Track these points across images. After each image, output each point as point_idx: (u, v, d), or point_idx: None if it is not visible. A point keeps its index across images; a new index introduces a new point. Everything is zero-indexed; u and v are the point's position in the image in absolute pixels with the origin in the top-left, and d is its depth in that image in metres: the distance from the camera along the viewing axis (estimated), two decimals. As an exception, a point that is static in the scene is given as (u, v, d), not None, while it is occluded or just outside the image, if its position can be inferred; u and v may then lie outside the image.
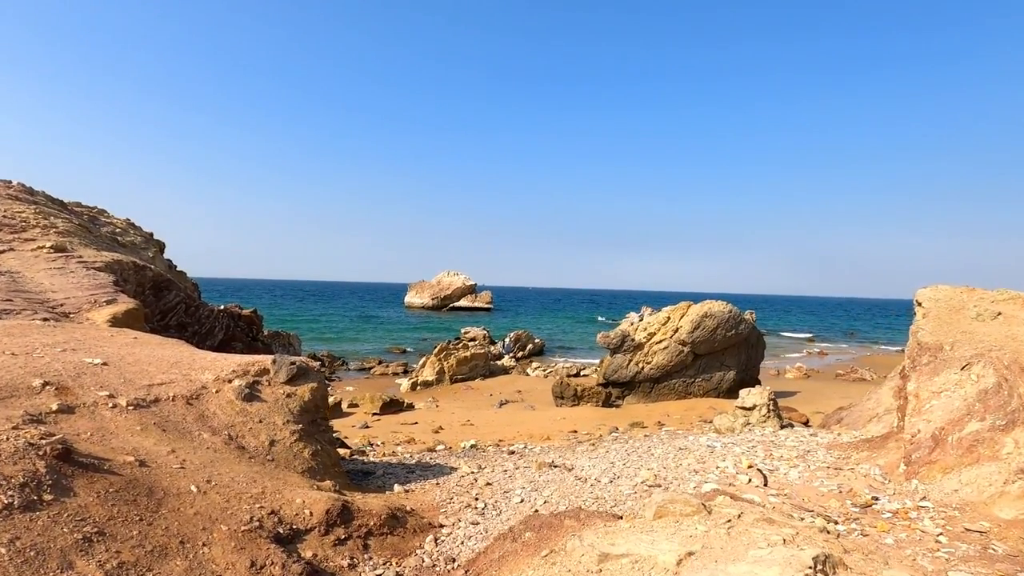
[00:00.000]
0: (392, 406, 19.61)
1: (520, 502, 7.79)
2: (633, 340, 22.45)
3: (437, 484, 8.83)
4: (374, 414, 18.76)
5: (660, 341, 22.26)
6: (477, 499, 7.93)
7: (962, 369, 9.31)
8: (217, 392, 7.40)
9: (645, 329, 22.73)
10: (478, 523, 6.85)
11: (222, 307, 25.17)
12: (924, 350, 10.63)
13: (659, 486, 8.50)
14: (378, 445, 13.94)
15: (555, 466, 10.12)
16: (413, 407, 20.63)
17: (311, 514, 5.59)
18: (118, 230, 22.86)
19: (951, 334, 10.68)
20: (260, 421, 7.19)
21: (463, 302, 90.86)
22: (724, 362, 23.06)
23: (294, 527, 5.40)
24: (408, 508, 6.88)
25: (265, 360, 8.21)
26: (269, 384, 7.83)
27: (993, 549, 5.84)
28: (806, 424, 17.31)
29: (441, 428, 16.54)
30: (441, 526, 6.71)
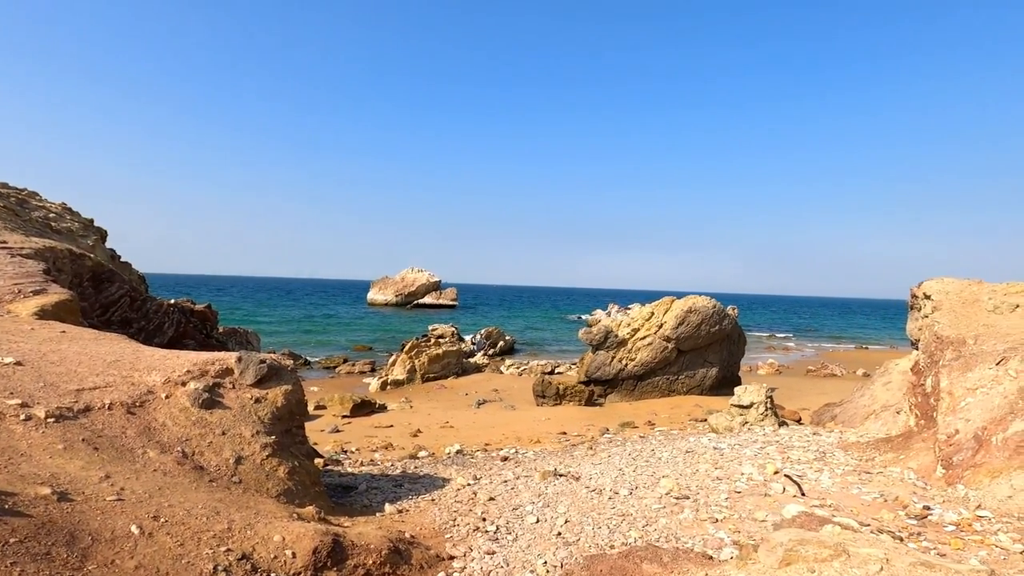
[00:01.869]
0: (363, 407, 18.16)
1: (536, 522, 6.67)
2: (616, 336, 21.64)
3: (433, 500, 7.62)
4: (344, 417, 17.28)
5: (644, 337, 21.53)
6: (484, 519, 6.77)
7: (997, 364, 8.72)
8: (168, 398, 5.99)
9: (629, 325, 21.96)
10: (495, 553, 5.69)
11: (172, 301, 23.06)
12: (945, 344, 10.06)
13: (687, 497, 7.53)
14: (353, 452, 12.56)
15: (560, 475, 9.05)
16: (386, 408, 19.22)
17: (294, 556, 4.33)
18: (52, 215, 20.48)
19: (972, 327, 10.16)
20: (223, 433, 5.83)
21: (428, 299, 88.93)
22: (707, 359, 22.54)
23: None
24: (408, 536, 5.67)
25: (228, 358, 6.82)
26: (234, 387, 6.45)
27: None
28: (799, 422, 16.84)
29: (419, 431, 15.25)
30: (451, 558, 5.53)
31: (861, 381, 29.60)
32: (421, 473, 9.56)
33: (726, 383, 23.13)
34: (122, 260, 22.38)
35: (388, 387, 24.38)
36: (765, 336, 62.13)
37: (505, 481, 8.78)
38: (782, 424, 14.81)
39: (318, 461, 9.92)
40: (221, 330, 27.08)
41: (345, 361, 32.23)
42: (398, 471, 9.88)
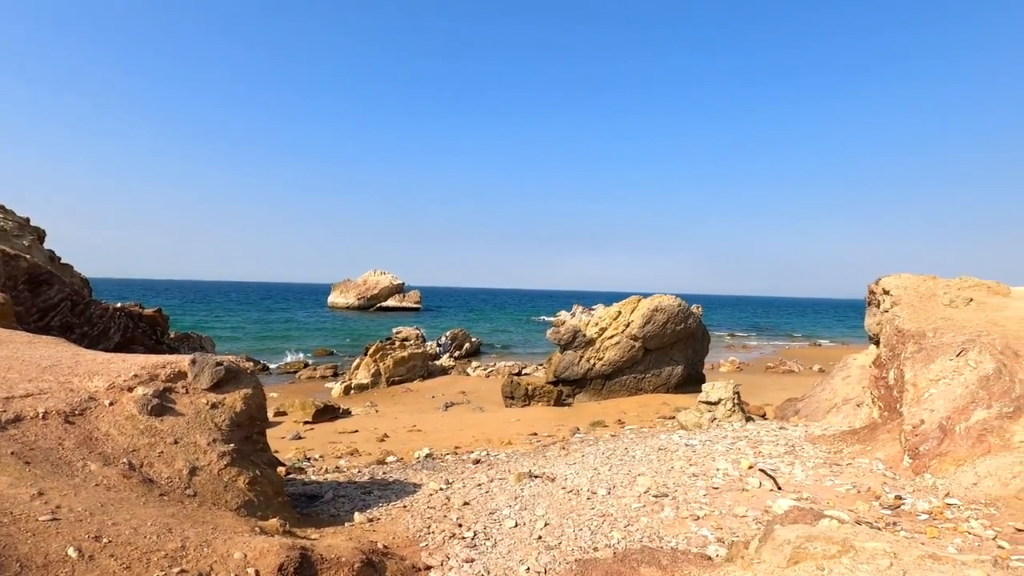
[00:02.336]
0: (326, 413, 17.50)
1: (515, 526, 6.41)
2: (584, 336, 21.61)
3: (405, 507, 7.26)
4: (306, 423, 16.61)
5: (612, 336, 21.57)
6: (460, 525, 6.47)
7: (957, 355, 8.98)
8: (112, 405, 5.47)
9: (596, 324, 21.97)
10: (474, 560, 5.40)
11: (119, 305, 21.76)
12: (906, 337, 10.33)
13: (666, 495, 7.41)
14: (317, 459, 12.01)
15: (535, 476, 8.82)
16: (350, 413, 18.59)
17: (257, 574, 3.94)
18: (-19, 213, 19.02)
19: (930, 320, 10.47)
20: (175, 442, 5.35)
21: (391, 302, 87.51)
22: (673, 357, 22.76)
23: (233, 596, 3.74)
24: (381, 546, 5.32)
25: (181, 361, 6.31)
26: (187, 392, 5.96)
27: (1064, 552, 5.18)
28: (764, 417, 17.12)
29: (386, 436, 14.77)
30: (428, 568, 5.21)
31: (818, 376, 30.55)
32: (390, 479, 9.16)
33: (691, 381, 23.44)
34: (63, 262, 20.99)
35: (352, 391, 23.68)
36: (725, 335, 63.68)
37: (479, 484, 8.49)
38: (749, 419, 15.00)
39: (280, 470, 9.41)
40: (172, 335, 25.76)
41: (306, 366, 31.23)
42: (366, 477, 9.45)
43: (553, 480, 8.62)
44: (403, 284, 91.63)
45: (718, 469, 8.70)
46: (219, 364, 6.26)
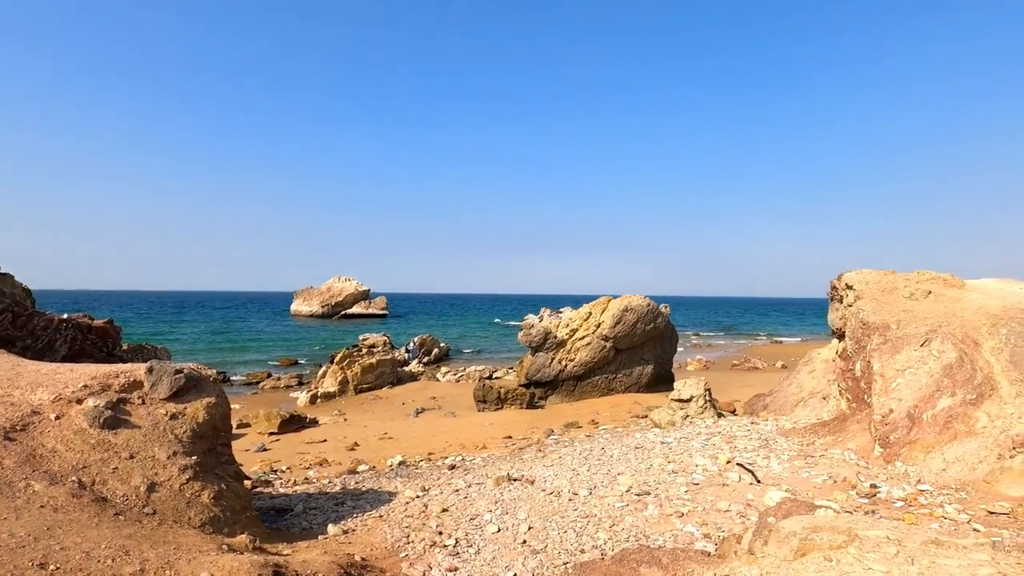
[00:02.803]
0: (292, 423, 16.88)
1: (497, 531, 6.21)
2: (555, 337, 21.55)
3: (381, 517, 6.97)
4: (272, 434, 15.96)
5: (583, 337, 21.58)
6: (441, 533, 6.22)
7: (921, 345, 9.23)
8: (59, 419, 5.03)
9: (567, 326, 21.94)
10: (457, 569, 5.18)
11: (65, 316, 20.56)
12: (871, 329, 10.60)
13: (648, 493, 7.33)
14: (284, 471, 11.50)
15: (514, 479, 8.63)
16: (317, 422, 17.99)
17: (227, 595, 3.63)
18: (-90, 220, 17.69)
19: (893, 313, 10.77)
20: (131, 457, 4.95)
21: (356, 309, 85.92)
22: (643, 356, 22.92)
23: (200, 621, 3.43)
24: (359, 559, 5.04)
25: (136, 370, 5.88)
26: (144, 402, 5.54)
27: (1037, 533, 5.31)
28: (733, 413, 17.37)
29: (357, 444, 14.31)
30: (409, 579, 4.96)
31: (782, 372, 31.33)
32: (364, 488, 8.82)
33: (661, 380, 23.66)
34: (2, 271, 19.70)
35: (319, 400, 22.98)
36: (691, 335, 64.85)
37: (457, 490, 8.25)
38: (720, 416, 15.18)
39: (246, 483, 8.96)
40: (125, 348, 24.49)
41: (269, 376, 30.20)
42: (337, 488, 9.08)
43: (533, 483, 8.45)
44: (369, 290, 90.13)
45: (697, 465, 8.69)
46: (179, 372, 5.86)
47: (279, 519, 7.11)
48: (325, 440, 15.05)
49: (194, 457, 5.34)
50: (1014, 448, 6.82)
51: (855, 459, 8.55)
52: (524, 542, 5.77)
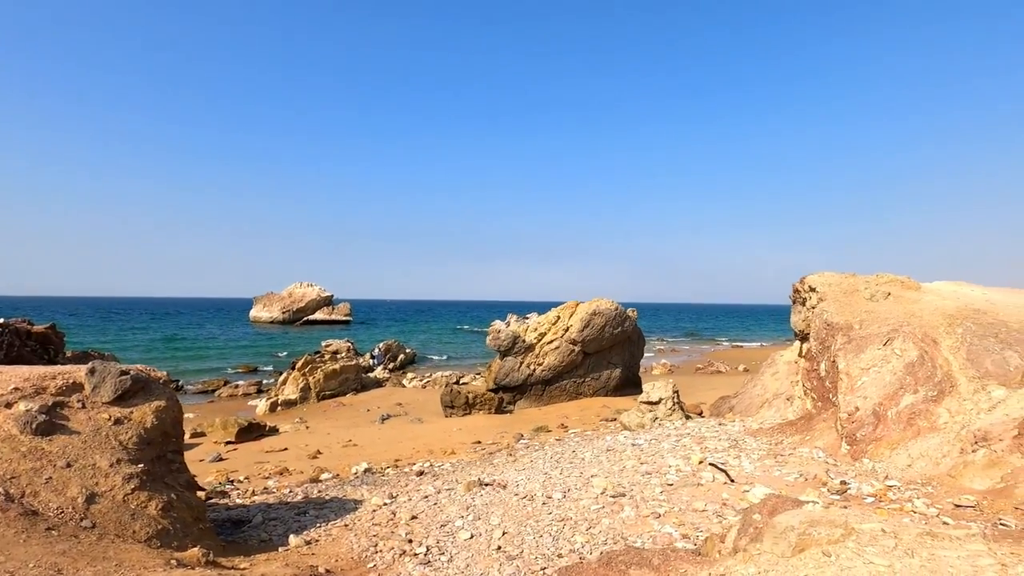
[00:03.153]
0: (251, 431, 16.15)
1: (470, 537, 5.95)
2: (524, 341, 21.39)
3: (346, 526, 6.61)
4: (228, 443, 15.22)
5: (551, 341, 21.49)
6: (411, 541, 5.92)
7: (884, 344, 9.44)
8: (-15, 424, 4.53)
9: (536, 330, 21.82)
10: (429, 578, 4.90)
11: (2, 321, 19.21)
12: (835, 329, 10.81)
13: (623, 495, 7.20)
14: (242, 481, 10.92)
15: (485, 484, 8.38)
16: (277, 431, 17.28)
17: (175, 615, 3.27)
18: None
19: (855, 313, 11.01)
20: (68, 465, 4.50)
21: (318, 315, 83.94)
22: (611, 360, 22.99)
23: (144, 645, 3.07)
24: (323, 571, 4.71)
25: (76, 371, 5.39)
26: (84, 406, 5.08)
27: (1005, 524, 5.39)
28: (700, 415, 17.53)
29: (319, 452, 13.76)
30: (378, 591, 4.65)
31: (744, 375, 31.97)
32: (327, 497, 8.41)
33: (629, 384, 23.78)
34: (-70, 272, 18.29)
35: (279, 408, 22.15)
36: (655, 340, 65.76)
37: (426, 497, 7.94)
38: (688, 418, 15.28)
39: (200, 495, 8.42)
40: (69, 354, 23.11)
41: (226, 383, 29.00)
42: (299, 497, 8.63)
43: (505, 487, 8.22)
44: (332, 296, 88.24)
45: (670, 466, 8.63)
46: (124, 373, 5.40)
47: (236, 531, 6.66)
48: (286, 448, 14.44)
49: (140, 465, 4.91)
50: (976, 443, 6.99)
51: (823, 457, 8.64)
52: (499, 548, 5.54)
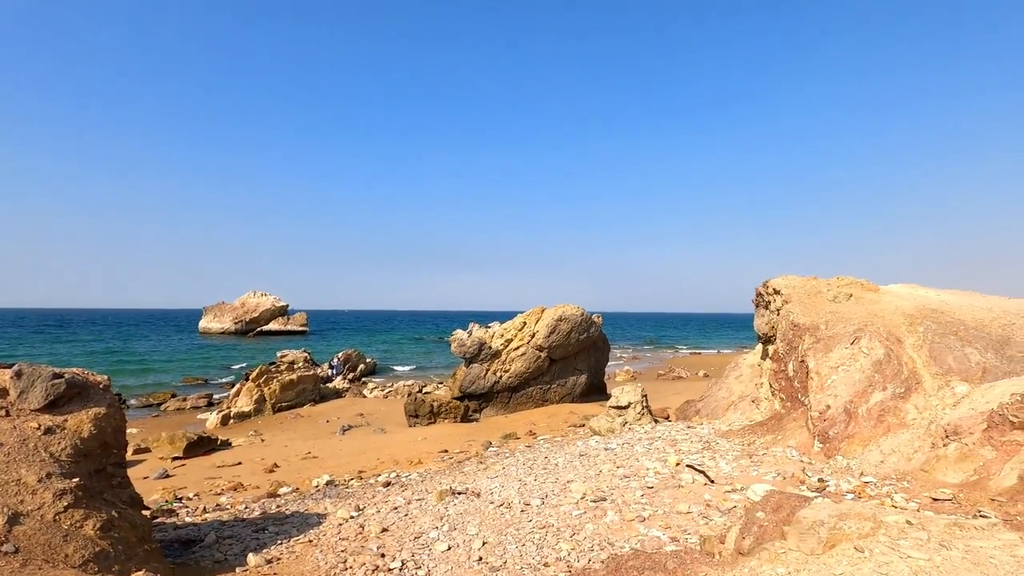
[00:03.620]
0: (201, 445, 15.16)
1: (448, 549, 5.56)
2: (490, 348, 21.03)
3: (311, 542, 6.10)
4: (176, 458, 14.22)
5: (518, 348, 21.21)
6: (383, 555, 5.49)
7: (851, 344, 9.59)
8: None
9: (502, 336, 21.50)
10: (407, 594, 4.50)
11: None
12: (802, 330, 10.96)
13: (604, 499, 6.95)
14: (191, 498, 10.13)
15: (458, 493, 7.99)
16: (230, 444, 16.30)
17: (116, 651, 2.79)
18: None
19: (821, 314, 11.21)
20: (-12, 480, 3.90)
21: (273, 325, 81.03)
22: (576, 366, 22.89)
23: None
24: (288, 591, 4.24)
25: (0, 375, 4.76)
26: (9, 414, 4.46)
27: (985, 515, 5.41)
28: (667, 419, 17.57)
29: (276, 466, 13.00)
30: (351, 612, 4.22)
31: (706, 381, 32.49)
32: (288, 512, 7.83)
33: (594, 390, 23.74)
34: None
35: (231, 421, 20.99)
36: (616, 348, 66.37)
37: (396, 508, 7.48)
38: (656, 421, 15.25)
39: (145, 512, 7.70)
40: (-4, 367, 21.32)
41: (173, 396, 27.37)
42: (257, 513, 8.01)
43: (479, 495, 7.85)
44: (287, 306, 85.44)
45: (648, 469, 8.45)
46: (58, 376, 4.80)
47: (186, 552, 6.06)
48: (240, 463, 13.58)
49: (75, 480, 4.33)
50: (947, 437, 7.09)
51: (797, 456, 8.65)
52: (480, 559, 5.18)
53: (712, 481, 7.46)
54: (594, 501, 6.87)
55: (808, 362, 9.68)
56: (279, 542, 6.12)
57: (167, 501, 9.82)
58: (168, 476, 12.38)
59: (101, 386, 5.31)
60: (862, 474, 7.39)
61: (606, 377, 34.32)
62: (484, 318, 29.23)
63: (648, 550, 5.12)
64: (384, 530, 6.43)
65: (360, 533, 6.36)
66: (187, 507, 9.32)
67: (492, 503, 7.29)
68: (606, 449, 11.00)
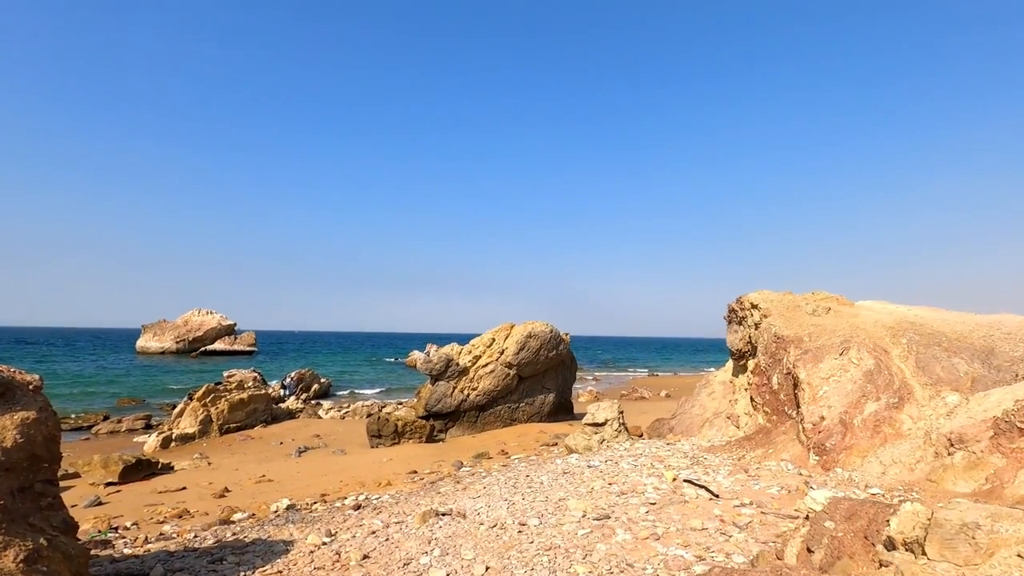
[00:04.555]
0: (139, 469, 13.67)
1: (446, 576, 4.86)
2: (458, 365, 20.26)
3: (280, 573, 5.26)
4: (109, 483, 12.72)
5: (486, 365, 20.52)
6: (370, 586, 4.73)
7: (841, 354, 9.49)
8: None
9: (470, 352, 20.79)
10: (409, 631, 3.79)
11: None
12: (787, 342, 10.85)
13: (608, 517, 6.39)
14: (128, 528, 8.91)
15: (442, 514, 7.25)
16: (172, 468, 14.82)
17: None
18: None
19: (803, 327, 11.15)
20: None
21: (219, 345, 76.94)
22: (545, 384, 22.37)
23: None
24: (265, 633, 3.47)
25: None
26: (-93, 415, 3.55)
27: None
28: (641, 436, 17.21)
29: (227, 490, 11.77)
30: (344, 655, 3.48)
31: (668, 400, 32.51)
32: (247, 539, 6.88)
33: (561, 409, 23.24)
34: None
35: (173, 444, 19.28)
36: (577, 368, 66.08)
37: (374, 532, 6.68)
38: (632, 439, 14.86)
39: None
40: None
41: (107, 419, 25.07)
42: (210, 541, 7.02)
43: (465, 516, 7.14)
44: (234, 325, 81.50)
45: (646, 484, 7.96)
46: (-23, 372, 3.91)
47: (127, 589, 5.11)
48: (184, 487, 12.27)
49: (-6, 498, 3.46)
50: (951, 446, 6.94)
51: (793, 469, 8.37)
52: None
53: (716, 496, 7.03)
54: (597, 519, 6.30)
55: (798, 373, 9.51)
56: (242, 574, 5.25)
57: (100, 531, 8.59)
58: (101, 504, 10.99)
59: (31, 386, 4.40)
60: (867, 486, 7.13)
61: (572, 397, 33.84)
62: (441, 340, 28.45)
63: (675, 570, 4.60)
64: (365, 557, 5.65)
65: (337, 561, 5.57)
66: (125, 537, 8.15)
67: (482, 524, 6.61)
68: (590, 467, 10.46)
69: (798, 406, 9.63)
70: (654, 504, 6.86)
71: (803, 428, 8.86)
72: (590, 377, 55.32)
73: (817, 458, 8.29)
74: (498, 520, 6.69)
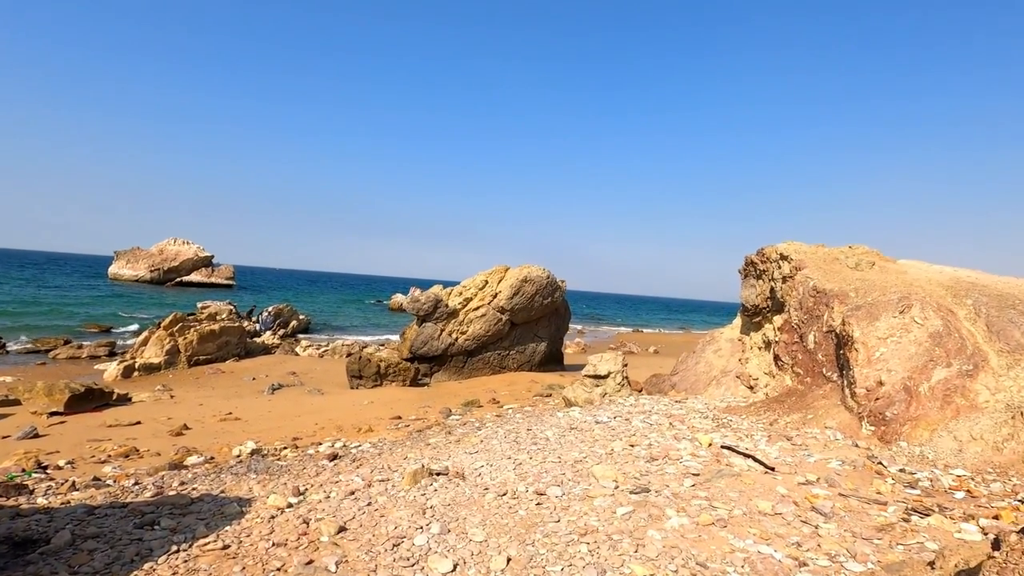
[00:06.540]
0: (90, 399, 12.23)
1: (453, 570, 3.57)
2: (447, 307, 18.87)
3: (227, 550, 3.92)
4: (54, 413, 11.29)
5: (477, 308, 19.17)
6: (348, 579, 3.42)
7: (901, 313, 8.24)
8: None
9: (460, 294, 19.37)
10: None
11: None
12: (829, 296, 9.58)
13: (647, 490, 5.14)
14: (60, 468, 7.54)
15: (437, 474, 5.96)
16: (130, 400, 13.42)
17: None
18: None
19: (848, 281, 9.88)
20: None
21: (195, 276, 74.39)
22: (537, 333, 21.19)
23: None
24: None
25: None
26: None
27: None
28: (641, 392, 16.23)
29: (187, 428, 10.43)
30: None
31: (657, 357, 31.79)
32: (195, 494, 5.54)
33: (552, 359, 22.20)
34: None
35: (136, 374, 17.80)
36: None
37: (353, 492, 5.37)
38: (635, 394, 13.81)
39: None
40: None
41: (67, 343, 23.40)
42: (149, 493, 5.66)
43: (463, 477, 5.88)
44: (212, 257, 78.67)
45: (679, 449, 6.74)
46: None
47: (14, 562, 3.74)
48: (139, 422, 10.91)
49: None
50: (1055, 424, 5.78)
51: (843, 439, 7.23)
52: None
53: (770, 468, 5.85)
54: (634, 492, 5.06)
55: (851, 331, 8.26)
56: (174, 548, 3.90)
57: (24, 470, 7.20)
58: (37, 436, 9.58)
59: None
60: (947, 466, 6.00)
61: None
62: (419, 284, 26.93)
63: (765, 574, 3.35)
64: (341, 529, 4.35)
65: (305, 534, 4.25)
66: (51, 480, 6.77)
67: (487, 490, 5.35)
68: (598, 423, 9.27)
69: (842, 369, 8.45)
70: (698, 476, 5.64)
71: (853, 393, 7.69)
72: (576, 328, 54.72)
73: (873, 428, 7.16)
74: (507, 485, 5.42)
